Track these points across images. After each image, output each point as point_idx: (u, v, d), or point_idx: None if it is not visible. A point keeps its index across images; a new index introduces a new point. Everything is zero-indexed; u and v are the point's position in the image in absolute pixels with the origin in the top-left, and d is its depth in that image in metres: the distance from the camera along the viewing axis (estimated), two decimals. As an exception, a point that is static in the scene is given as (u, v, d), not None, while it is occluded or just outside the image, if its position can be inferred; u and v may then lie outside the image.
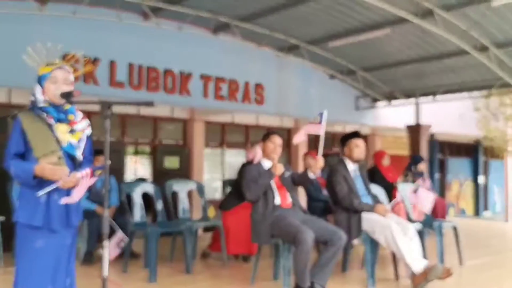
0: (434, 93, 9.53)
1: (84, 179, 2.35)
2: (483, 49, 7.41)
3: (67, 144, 2.53)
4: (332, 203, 4.33)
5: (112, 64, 7.01)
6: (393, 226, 3.96)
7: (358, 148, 4.27)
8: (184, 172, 9.09)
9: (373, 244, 4.09)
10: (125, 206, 4.64)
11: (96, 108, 2.44)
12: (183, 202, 4.90)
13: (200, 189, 5.19)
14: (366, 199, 4.27)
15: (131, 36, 7.04)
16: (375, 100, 10.42)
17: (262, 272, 4.21)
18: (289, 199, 3.91)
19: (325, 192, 5.75)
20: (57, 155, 2.46)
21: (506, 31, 7.02)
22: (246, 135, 10.32)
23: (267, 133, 4.22)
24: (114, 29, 6.80)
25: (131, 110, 7.91)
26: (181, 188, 5.00)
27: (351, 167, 4.34)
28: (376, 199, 4.38)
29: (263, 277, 4.22)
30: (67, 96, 2.40)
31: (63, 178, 2.34)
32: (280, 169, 3.78)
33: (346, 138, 4.38)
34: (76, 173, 2.37)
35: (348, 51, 8.67)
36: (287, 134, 10.28)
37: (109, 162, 2.21)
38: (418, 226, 4.40)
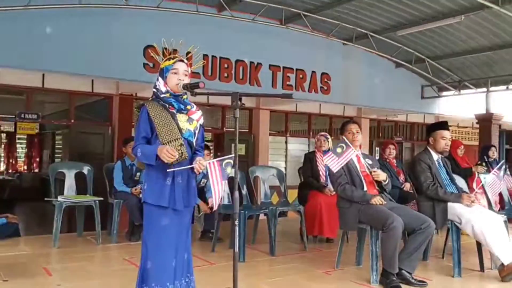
0: (507, 82, 9.19)
1: (213, 168, 2.58)
2: None
3: (187, 132, 2.78)
4: (416, 192, 4.38)
5: (187, 54, 7.31)
6: (480, 217, 3.98)
7: (444, 140, 4.28)
8: (250, 158, 9.39)
9: (458, 234, 4.13)
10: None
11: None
12: (265, 187, 5.13)
13: (280, 176, 5.39)
14: (451, 189, 4.29)
15: (206, 28, 7.30)
16: (442, 89, 10.19)
17: (344, 257, 4.35)
18: (376, 188, 4.01)
19: (400, 180, 5.84)
20: (179, 142, 2.71)
21: None
22: (309, 124, 10.45)
23: (344, 123, 4.27)
24: (191, 21, 7.09)
25: (203, 99, 8.31)
26: (263, 174, 5.23)
27: (435, 157, 4.37)
28: (460, 189, 4.39)
29: (346, 262, 4.37)
30: (193, 87, 2.62)
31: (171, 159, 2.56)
32: (378, 201, 3.82)
33: (433, 128, 4.38)
34: (203, 160, 2.62)
35: (416, 39, 8.54)
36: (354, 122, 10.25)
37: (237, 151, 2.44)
38: (504, 216, 4.37)
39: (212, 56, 7.57)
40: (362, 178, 4.00)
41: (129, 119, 7.97)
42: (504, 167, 4.88)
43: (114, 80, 7.45)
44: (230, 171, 2.61)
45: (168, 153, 2.56)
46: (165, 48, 2.92)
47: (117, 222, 5.21)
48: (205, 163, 2.63)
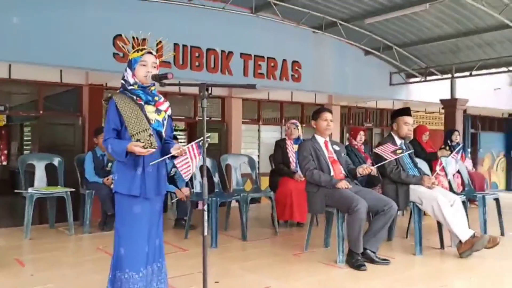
0: (470, 68, 9.52)
1: (191, 150, 2.67)
2: (523, 23, 7.39)
3: (155, 122, 2.85)
4: (381, 175, 4.57)
5: (157, 45, 7.29)
6: (440, 197, 4.19)
7: (407, 125, 4.46)
8: (223, 147, 9.47)
9: (420, 214, 4.34)
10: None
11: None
12: (237, 174, 5.24)
13: (252, 163, 5.50)
14: (413, 172, 4.50)
15: (176, 17, 7.28)
16: (409, 76, 10.47)
17: (313, 240, 4.51)
18: (342, 172, 4.18)
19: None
20: (148, 132, 2.78)
21: (548, 4, 6.98)
22: (281, 111, 10.58)
23: (318, 110, 4.39)
24: (160, 10, 7.07)
25: (175, 88, 8.32)
26: (235, 162, 5.34)
27: (398, 142, 4.55)
28: (422, 172, 4.60)
29: (315, 244, 4.54)
30: (161, 78, 2.68)
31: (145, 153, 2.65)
32: (344, 185, 3.97)
33: (397, 114, 4.56)
34: (180, 145, 2.71)
35: (384, 27, 8.72)
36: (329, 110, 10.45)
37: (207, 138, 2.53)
38: (462, 197, 4.61)
39: (183, 45, 7.56)
40: (329, 163, 4.15)
41: (100, 109, 7.92)
42: (462, 150, 5.12)
43: (84, 70, 7.38)
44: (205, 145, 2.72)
45: (139, 149, 2.63)
46: (135, 38, 2.96)
47: (89, 213, 5.24)
48: (183, 148, 2.72)
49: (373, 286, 3.42)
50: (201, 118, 9.48)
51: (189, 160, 2.72)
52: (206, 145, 2.68)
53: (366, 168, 4.06)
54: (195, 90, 8.72)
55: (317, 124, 4.26)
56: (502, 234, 5.16)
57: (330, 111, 4.38)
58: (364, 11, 8.01)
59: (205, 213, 2.46)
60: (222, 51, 8.03)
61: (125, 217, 2.81)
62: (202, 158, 2.57)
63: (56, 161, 5.50)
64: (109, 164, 5.45)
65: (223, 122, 9.68)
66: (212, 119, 9.66)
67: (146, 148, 2.67)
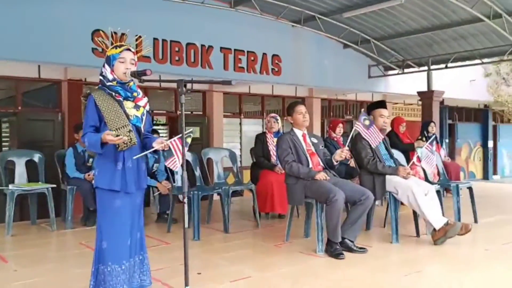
0: (446, 61, 9.73)
1: (175, 144, 2.73)
2: (496, 16, 7.58)
3: (134, 118, 2.90)
4: (358, 167, 4.70)
5: (137, 38, 7.29)
6: (414, 187, 4.34)
7: (382, 117, 4.59)
8: (205, 140, 9.51)
9: (396, 204, 4.48)
10: (168, 173, 5.09)
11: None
12: (218, 168, 5.31)
13: (232, 157, 5.58)
14: (389, 163, 4.64)
15: (156, 11, 7.28)
16: (387, 68, 10.65)
17: (293, 231, 4.62)
18: (321, 164, 4.28)
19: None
20: (127, 128, 2.82)
21: (519, -2, 7.19)
22: (262, 105, 10.67)
23: (291, 105, 4.47)
24: (139, 4, 7.05)
25: (156, 83, 8.29)
26: (216, 155, 5.41)
27: (375, 133, 4.67)
28: (398, 162, 4.75)
29: (296, 235, 4.65)
30: (140, 74, 2.73)
31: (118, 142, 2.67)
32: (322, 177, 4.07)
33: (372, 107, 4.68)
34: (162, 139, 2.79)
35: (362, 21, 8.85)
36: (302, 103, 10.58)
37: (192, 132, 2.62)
38: (436, 187, 4.77)
39: (163, 39, 7.56)
40: (308, 156, 4.25)
41: (79, 104, 7.86)
42: (435, 141, 5.28)
43: (62, 66, 7.32)
44: (189, 140, 2.77)
45: (111, 137, 2.65)
46: (114, 33, 2.99)
47: (71, 208, 5.25)
48: (166, 142, 2.78)
49: (351, 274, 3.54)
50: (184, 112, 9.50)
51: (175, 157, 2.78)
52: (189, 140, 2.74)
53: (341, 153, 4.15)
54: (175, 84, 8.73)
55: (293, 118, 4.35)
56: (476, 221, 5.35)
57: (304, 104, 4.48)
58: (342, 5, 8.12)
59: (186, 206, 2.52)
60: (202, 45, 8.05)
61: (106, 212, 2.86)
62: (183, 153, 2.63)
63: (36, 157, 5.48)
64: (90, 160, 5.46)
65: (204, 116, 9.71)
66: (194, 113, 9.70)
67: (119, 136, 2.71)
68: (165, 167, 5.32)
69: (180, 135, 2.70)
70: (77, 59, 6.84)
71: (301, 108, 4.37)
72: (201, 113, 9.73)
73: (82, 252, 4.27)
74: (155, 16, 7.29)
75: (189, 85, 2.67)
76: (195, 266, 3.61)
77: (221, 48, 8.26)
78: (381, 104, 4.69)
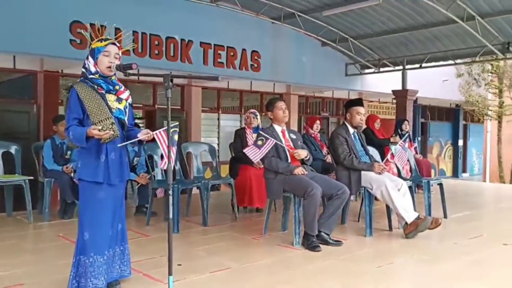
0: (420, 61, 10.00)
1: (160, 136, 2.77)
2: (469, 18, 7.85)
3: (117, 111, 2.94)
4: (335, 162, 4.83)
5: (117, 31, 7.23)
6: (388, 183, 4.50)
7: (359, 115, 4.73)
8: (183, 135, 9.52)
9: (371, 199, 4.64)
10: (148, 167, 5.12)
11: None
12: (197, 162, 5.37)
13: (212, 151, 5.64)
14: (364, 159, 4.78)
15: (136, 5, 7.25)
16: (364, 67, 10.87)
17: (271, 224, 4.73)
18: (299, 160, 4.39)
19: (323, 152, 6.32)
20: (110, 120, 2.86)
21: (490, 1, 7.45)
22: (241, 100, 10.74)
23: (271, 101, 4.55)
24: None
25: (134, 76, 8.23)
26: (195, 150, 5.46)
27: (351, 130, 4.82)
28: (373, 159, 4.90)
29: (273, 228, 4.75)
30: (126, 68, 2.76)
31: (105, 137, 2.71)
32: (300, 172, 4.18)
33: (350, 104, 4.81)
34: (148, 130, 2.85)
35: (341, 19, 9.01)
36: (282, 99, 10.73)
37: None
38: (409, 183, 4.96)
39: (142, 33, 7.54)
40: (287, 151, 4.35)
41: (55, 96, 7.79)
42: (409, 139, 5.47)
43: (38, 57, 7.22)
44: (177, 138, 2.79)
45: (97, 132, 2.68)
46: (94, 25, 3.01)
47: (48, 201, 5.22)
48: (152, 133, 2.82)
49: (327, 266, 3.66)
50: (160, 106, 9.52)
51: (164, 147, 2.81)
52: (176, 136, 2.79)
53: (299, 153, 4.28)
54: (153, 78, 8.71)
55: (273, 114, 4.43)
56: (445, 216, 5.57)
57: (283, 100, 4.58)
58: (322, 3, 8.26)
59: (170, 197, 2.58)
60: (182, 40, 8.06)
61: (89, 203, 2.88)
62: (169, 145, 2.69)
63: (13, 149, 5.42)
64: (68, 152, 5.43)
65: (182, 110, 9.73)
66: (171, 107, 9.68)
67: (105, 130, 2.75)
68: (145, 161, 5.35)
69: (165, 128, 2.76)
70: (54, 50, 6.77)
71: (282, 104, 4.47)
72: (179, 107, 9.73)
73: (61, 244, 4.26)
74: (135, 9, 7.27)
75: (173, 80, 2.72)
76: (176, 258, 3.63)
77: (201, 43, 8.30)
78: (358, 102, 4.83)
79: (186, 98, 9.72)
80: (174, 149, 2.83)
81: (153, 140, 2.87)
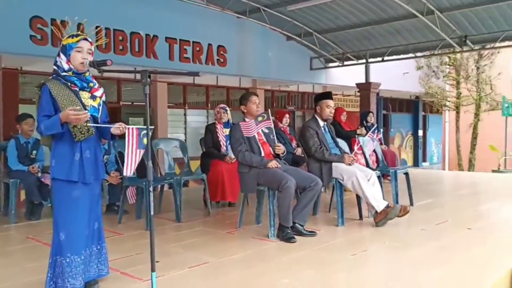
0: (382, 54, 10.27)
1: (131, 134, 2.73)
2: (428, 12, 8.12)
3: (91, 108, 2.89)
4: (306, 155, 4.91)
5: (79, 26, 7.04)
6: (358, 173, 4.63)
7: (329, 108, 4.83)
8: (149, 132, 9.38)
9: (342, 189, 4.76)
10: (119, 164, 5.03)
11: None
12: (169, 158, 5.33)
13: (183, 147, 5.61)
14: (335, 151, 4.89)
15: (98, -1, 7.08)
16: (328, 61, 11.05)
17: (244, 218, 4.76)
18: (272, 153, 4.44)
19: (293, 145, 6.40)
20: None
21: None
22: (207, 96, 10.69)
23: (246, 95, 4.58)
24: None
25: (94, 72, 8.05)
26: (166, 146, 5.41)
27: (321, 123, 4.91)
28: (343, 151, 5.02)
29: (247, 222, 4.79)
30: (100, 64, 2.71)
31: (83, 119, 2.67)
32: (274, 165, 4.23)
33: (320, 98, 4.90)
34: (122, 123, 2.81)
35: (305, 14, 9.12)
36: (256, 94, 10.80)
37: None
38: (377, 172, 5.11)
39: (106, 28, 7.37)
40: (260, 145, 4.40)
41: (15, 94, 7.51)
42: (377, 130, 5.64)
43: (-5, 53, 6.94)
44: (146, 142, 2.75)
45: (74, 112, 2.63)
46: (54, 20, 2.94)
47: (14, 202, 5.05)
48: (125, 126, 2.78)
49: (302, 256, 3.74)
50: (125, 103, 9.30)
51: (130, 149, 2.77)
52: (146, 142, 2.76)
53: (276, 146, 4.39)
54: (119, 74, 8.55)
55: (247, 108, 4.46)
56: (411, 204, 5.77)
57: (257, 95, 4.62)
58: (286, -2, 8.33)
59: (151, 194, 2.57)
60: (147, 35, 7.95)
61: (63, 203, 2.83)
62: (147, 142, 2.67)
63: (-26, 150, 5.20)
64: (34, 152, 5.27)
65: (148, 106, 9.57)
66: (137, 103, 9.54)
67: (82, 136, 2.72)
68: (116, 158, 5.26)
69: (138, 127, 2.74)
70: (13, 47, 6.52)
71: (255, 99, 4.50)
72: (144, 104, 9.57)
73: (31, 246, 4.14)
74: (98, 3, 7.10)
75: (129, 74, 2.69)
76: (152, 255, 3.64)
77: (166, 38, 8.20)
78: (328, 95, 4.92)
79: (152, 94, 9.57)
80: (141, 152, 2.80)
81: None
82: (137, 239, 4.36)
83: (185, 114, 10.37)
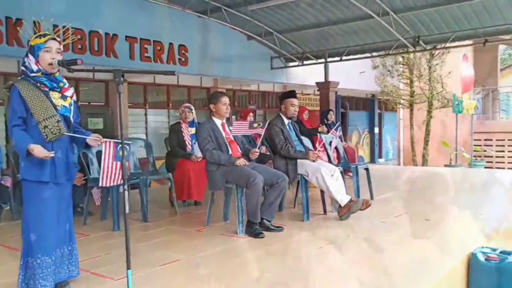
0: (340, 54, 10.56)
1: (108, 147, 2.74)
2: (384, 14, 8.44)
3: (62, 108, 2.87)
4: (271, 152, 5.02)
5: (36, 25, 6.84)
6: (322, 169, 4.78)
7: (293, 106, 4.96)
8: (109, 132, 9.24)
9: (307, 185, 4.90)
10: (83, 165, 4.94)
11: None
12: (134, 158, 5.28)
13: (148, 147, 5.57)
14: (299, 148, 5.03)
15: (56, -3, 6.90)
16: (288, 60, 11.24)
17: (212, 216, 4.81)
18: (239, 151, 4.52)
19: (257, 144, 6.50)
20: (56, 118, 2.78)
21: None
22: (168, 95, 10.62)
23: (216, 95, 4.62)
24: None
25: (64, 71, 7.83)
26: (132, 146, 5.34)
27: (286, 121, 5.04)
28: (307, 147, 5.17)
29: (215, 220, 4.84)
30: (70, 64, 2.69)
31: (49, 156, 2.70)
32: (242, 163, 4.32)
33: (284, 96, 5.02)
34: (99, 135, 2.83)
35: (266, 14, 9.26)
36: (206, 93, 10.84)
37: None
38: (340, 168, 5.29)
39: (63, 26, 7.17)
40: (227, 143, 4.46)
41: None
42: (339, 128, 5.84)
43: None
44: (122, 154, 2.76)
45: (43, 154, 2.66)
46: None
47: (-28, 206, 4.86)
48: (103, 140, 2.79)
49: (271, 250, 3.84)
50: (83, 103, 9.08)
51: (106, 160, 2.78)
52: (121, 152, 2.76)
53: (254, 152, 4.47)
54: (77, 74, 8.35)
55: (216, 107, 4.50)
56: (372, 198, 6.01)
57: (228, 95, 4.67)
58: (247, -2, 8.42)
59: (126, 192, 2.58)
60: (106, 34, 7.82)
61: (33, 204, 2.80)
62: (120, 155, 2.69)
63: None
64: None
65: (107, 106, 9.42)
66: (95, 104, 9.35)
67: (51, 128, 2.70)
68: (78, 159, 5.14)
69: (116, 141, 2.76)
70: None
71: (226, 100, 4.54)
72: (103, 104, 9.42)
73: (-6, 251, 4.02)
74: (55, 1, 6.91)
75: (88, 74, 2.70)
76: (122, 255, 3.63)
77: (126, 36, 8.09)
78: (292, 94, 5.05)
79: (111, 93, 9.42)
80: (117, 164, 2.82)
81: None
82: (104, 239, 4.33)
83: (145, 114, 10.27)
